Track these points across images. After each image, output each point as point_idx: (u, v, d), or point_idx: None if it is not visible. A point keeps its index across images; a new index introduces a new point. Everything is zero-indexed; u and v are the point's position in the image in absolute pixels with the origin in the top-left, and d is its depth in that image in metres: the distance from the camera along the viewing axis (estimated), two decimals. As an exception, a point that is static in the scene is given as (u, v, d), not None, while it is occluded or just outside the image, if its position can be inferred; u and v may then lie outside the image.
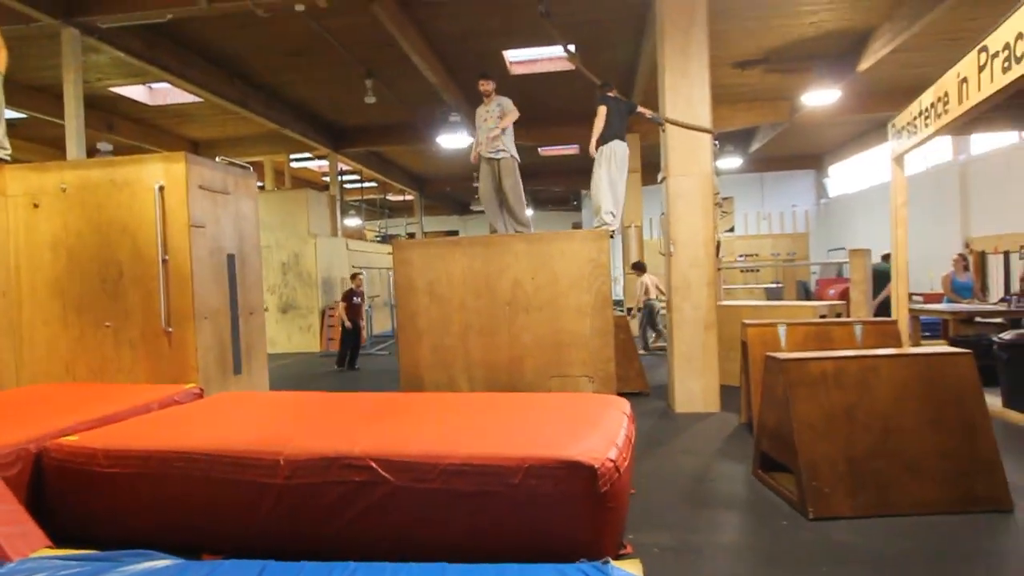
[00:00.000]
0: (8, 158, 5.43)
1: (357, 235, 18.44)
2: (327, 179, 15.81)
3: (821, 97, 10.07)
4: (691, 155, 5.78)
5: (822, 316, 6.41)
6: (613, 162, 5.85)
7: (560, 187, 20.88)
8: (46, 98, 10.28)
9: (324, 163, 16.14)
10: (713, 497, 3.85)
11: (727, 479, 4.14)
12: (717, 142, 6.96)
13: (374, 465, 2.90)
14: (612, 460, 2.86)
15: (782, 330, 5.00)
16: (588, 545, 2.70)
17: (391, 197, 22.83)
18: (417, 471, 2.86)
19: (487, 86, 6.27)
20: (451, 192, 22.89)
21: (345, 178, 18.05)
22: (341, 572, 2.63)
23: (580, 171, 19.35)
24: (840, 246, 17.72)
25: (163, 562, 2.81)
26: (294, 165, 17.03)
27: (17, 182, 5.34)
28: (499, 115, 6.15)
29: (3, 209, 5.30)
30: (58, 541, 3.06)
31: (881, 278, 7.64)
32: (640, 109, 6.23)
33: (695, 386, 5.82)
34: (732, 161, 15.61)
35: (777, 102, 12.00)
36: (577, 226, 23.65)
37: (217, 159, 5.76)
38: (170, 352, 5.19)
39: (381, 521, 2.91)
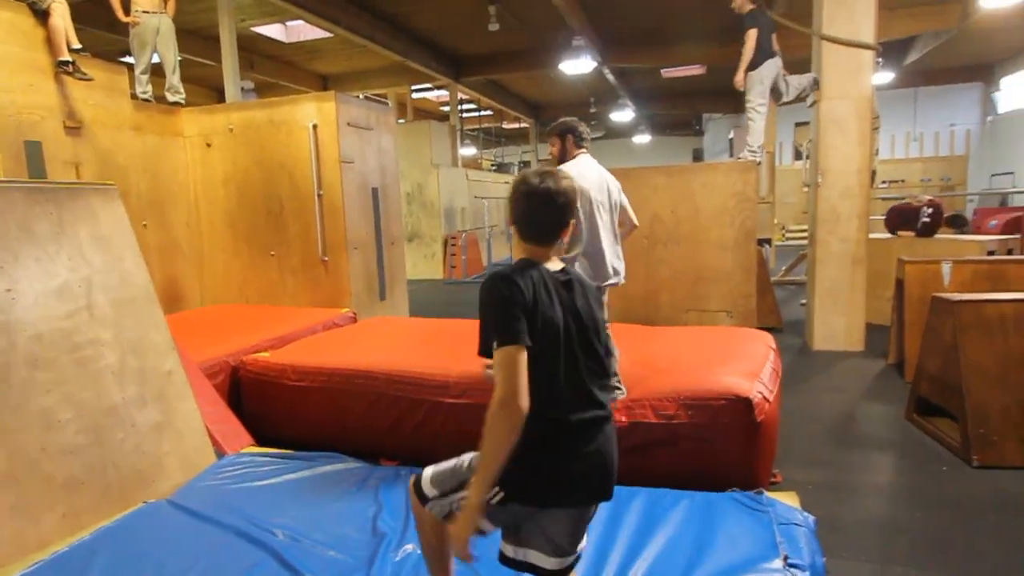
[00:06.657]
0: (183, 102, 5.97)
1: (474, 165, 18.69)
2: (446, 109, 15.97)
3: (1003, -3, 8.68)
4: (850, 76, 5.27)
5: (990, 252, 5.83)
6: (766, 84, 5.43)
7: (681, 110, 19.81)
8: (195, 40, 11.05)
9: (443, 93, 16.27)
10: (863, 437, 3.76)
11: (877, 420, 4.01)
12: (881, 59, 6.27)
13: (534, 390, 3.09)
14: (764, 392, 2.88)
15: (946, 268, 4.62)
16: (741, 475, 2.76)
17: (506, 125, 22.76)
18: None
19: None
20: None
21: (463, 107, 18.16)
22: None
23: (702, 93, 18.22)
24: (1008, 170, 15.70)
25: (352, 464, 3.22)
26: (415, 96, 17.34)
27: (192, 124, 5.88)
28: None
29: (182, 149, 5.89)
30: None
31: None
32: None
33: (838, 323, 5.56)
34: (883, 76, 13.99)
35: (945, 5, 10.51)
36: (698, 152, 22.50)
37: (360, 96, 6.01)
38: (326, 279, 5.67)
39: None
